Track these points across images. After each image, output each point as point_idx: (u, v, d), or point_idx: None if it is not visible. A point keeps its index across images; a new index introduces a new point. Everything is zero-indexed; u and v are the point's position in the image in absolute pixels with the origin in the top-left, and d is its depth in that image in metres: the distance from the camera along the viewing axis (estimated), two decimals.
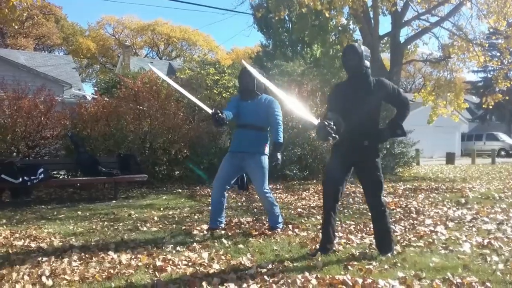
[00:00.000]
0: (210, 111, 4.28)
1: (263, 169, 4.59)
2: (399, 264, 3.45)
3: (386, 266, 3.39)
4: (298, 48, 23.02)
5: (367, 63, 3.66)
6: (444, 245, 4.05)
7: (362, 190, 8.12)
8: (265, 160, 4.62)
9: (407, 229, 4.80)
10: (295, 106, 3.73)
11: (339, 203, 3.89)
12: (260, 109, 4.61)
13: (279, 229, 4.65)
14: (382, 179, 3.67)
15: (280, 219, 4.77)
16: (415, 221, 5.23)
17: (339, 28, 13.35)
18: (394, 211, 5.97)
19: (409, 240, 4.26)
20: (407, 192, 8.17)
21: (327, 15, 11.46)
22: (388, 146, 11.77)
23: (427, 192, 8.08)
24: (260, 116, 4.59)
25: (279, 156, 4.58)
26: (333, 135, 3.36)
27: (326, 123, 3.36)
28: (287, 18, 22.52)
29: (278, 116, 4.68)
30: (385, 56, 17.92)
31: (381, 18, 14.18)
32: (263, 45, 25.00)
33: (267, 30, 24.17)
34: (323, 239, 3.77)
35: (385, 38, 14.47)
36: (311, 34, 14.29)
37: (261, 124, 4.63)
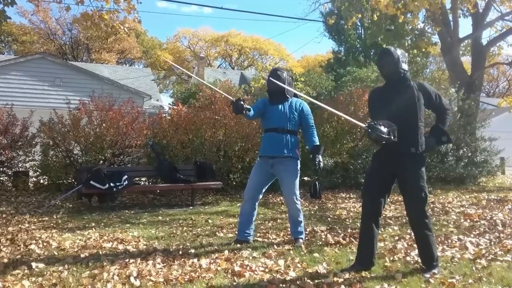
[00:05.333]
0: (231, 99, 4.35)
1: (295, 175, 4.47)
2: (484, 279, 3.28)
3: (470, 281, 3.24)
4: (371, 53, 22.58)
5: (405, 66, 3.49)
6: None
7: (441, 200, 7.82)
8: (297, 165, 4.51)
9: (492, 243, 4.54)
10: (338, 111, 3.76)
11: (381, 216, 3.64)
12: (292, 112, 4.51)
13: (301, 241, 4.47)
14: (426, 190, 3.43)
15: (303, 231, 4.58)
16: (502, 234, 4.91)
17: (416, 32, 12.92)
18: (478, 223, 5.65)
19: (495, 254, 4.03)
20: (492, 203, 7.68)
21: (402, 19, 11.15)
22: (470, 154, 11.18)
23: None
24: (291, 120, 4.49)
25: (320, 158, 4.45)
26: (386, 136, 3.21)
27: (374, 123, 3.22)
28: (359, 24, 22.17)
29: (311, 119, 4.63)
30: (466, 60, 17.06)
31: (461, 20, 13.57)
32: (335, 51, 24.80)
33: (338, 36, 23.96)
34: (363, 255, 3.53)
35: (466, 41, 13.79)
36: (386, 39, 13.96)
37: (292, 128, 4.50)
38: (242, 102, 4.17)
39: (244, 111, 4.21)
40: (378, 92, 3.75)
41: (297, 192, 4.47)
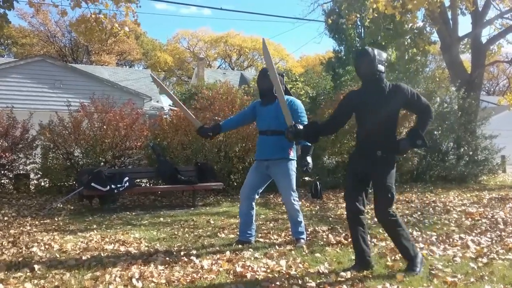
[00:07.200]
0: (197, 125, 4.63)
1: (290, 176, 4.40)
2: (486, 278, 3.28)
3: (472, 279, 3.24)
4: None
5: (381, 67, 3.41)
6: None
7: (442, 199, 7.84)
8: (291, 165, 4.42)
9: (494, 241, 4.54)
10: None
11: (363, 215, 3.58)
12: (281, 112, 4.24)
13: (303, 241, 4.46)
14: (393, 191, 3.38)
15: (304, 230, 4.56)
16: (503, 233, 4.92)
17: (415, 30, 12.93)
18: (479, 222, 5.65)
19: (496, 253, 4.03)
20: (493, 201, 7.69)
21: (400, 18, 11.17)
22: (471, 153, 11.18)
23: None
24: (281, 120, 4.24)
25: (309, 160, 4.30)
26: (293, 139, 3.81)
27: (291, 128, 3.73)
28: (359, 23, 22.16)
29: (302, 116, 4.43)
30: (466, 58, 17.07)
31: (460, 18, 13.58)
32: (335, 51, 24.75)
33: (338, 36, 23.92)
34: (357, 255, 3.56)
35: (465, 39, 13.80)
36: (385, 37, 13.97)
37: (283, 128, 4.21)
38: (205, 128, 4.58)
39: (207, 135, 4.58)
40: (355, 94, 3.70)
41: (294, 193, 4.44)
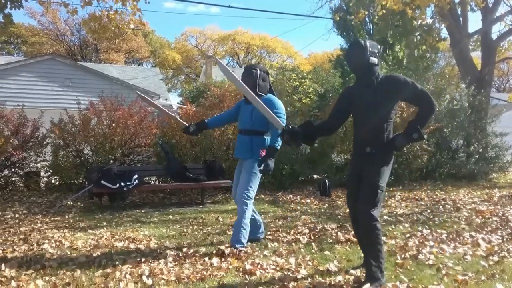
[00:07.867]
0: (183, 126, 4.75)
1: (250, 174, 4.25)
2: (497, 276, 3.27)
3: (483, 278, 3.23)
4: (380, 49, 22.43)
5: (374, 59, 3.20)
6: None
7: (452, 197, 7.79)
8: (258, 166, 4.20)
9: (505, 239, 4.51)
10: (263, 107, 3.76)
11: None
12: (257, 112, 4.06)
13: (237, 250, 4.02)
14: (378, 189, 3.11)
15: (243, 239, 4.15)
16: None
17: (424, 27, 12.83)
18: (490, 220, 5.61)
19: (507, 251, 4.01)
20: (504, 199, 7.62)
21: (410, 15, 11.08)
22: (481, 150, 11.10)
23: None
24: (255, 120, 4.18)
25: (269, 162, 4.01)
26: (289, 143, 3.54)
27: (286, 129, 3.48)
28: (367, 20, 22.05)
29: (279, 116, 4.12)
30: (476, 55, 16.90)
31: (470, 14, 13.47)
32: (343, 48, 24.66)
33: (347, 33, 23.82)
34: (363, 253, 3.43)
35: (475, 36, 13.66)
36: (394, 34, 13.87)
37: (257, 128, 4.27)
38: (191, 128, 4.59)
39: (195, 133, 4.64)
40: (350, 89, 3.54)
41: (247, 192, 4.22)
